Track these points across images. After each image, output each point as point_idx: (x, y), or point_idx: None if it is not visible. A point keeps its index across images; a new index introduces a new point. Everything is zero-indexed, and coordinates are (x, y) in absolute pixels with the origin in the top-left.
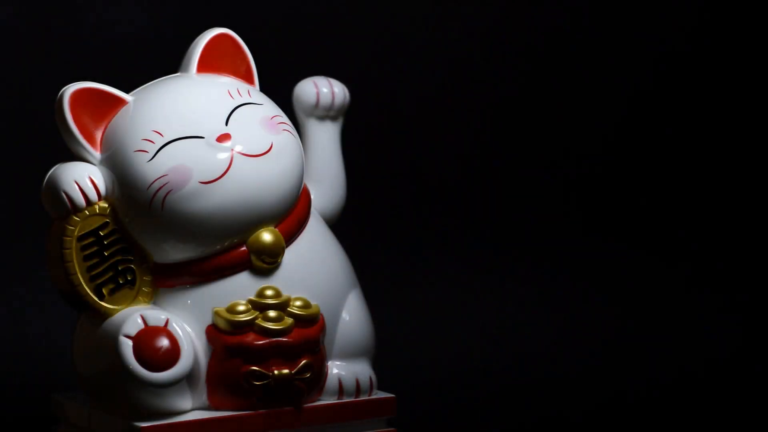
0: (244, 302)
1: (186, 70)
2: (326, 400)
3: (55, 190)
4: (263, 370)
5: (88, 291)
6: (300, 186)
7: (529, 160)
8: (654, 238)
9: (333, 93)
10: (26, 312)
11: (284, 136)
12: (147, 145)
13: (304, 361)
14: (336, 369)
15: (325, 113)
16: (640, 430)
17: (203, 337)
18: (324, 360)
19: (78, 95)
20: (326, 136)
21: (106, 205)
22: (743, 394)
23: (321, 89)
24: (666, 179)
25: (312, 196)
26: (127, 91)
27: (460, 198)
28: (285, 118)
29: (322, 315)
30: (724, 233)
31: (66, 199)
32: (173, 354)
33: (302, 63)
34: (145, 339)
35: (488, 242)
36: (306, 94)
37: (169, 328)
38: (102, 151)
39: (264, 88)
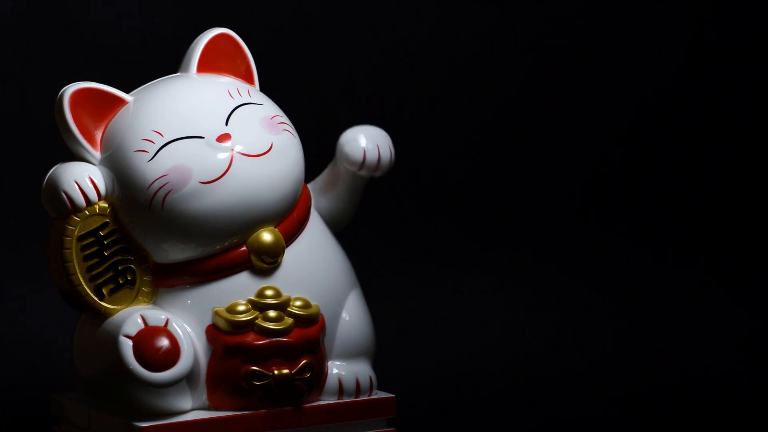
0: (244, 302)
1: (186, 70)
2: (326, 400)
3: (55, 190)
4: (263, 370)
5: (88, 291)
6: (300, 186)
7: (528, 161)
8: (654, 238)
9: (379, 156)
10: (26, 312)
11: (284, 136)
12: (147, 145)
13: (304, 361)
14: (336, 369)
15: (369, 173)
16: (640, 430)
17: (203, 337)
18: (324, 360)
19: (78, 95)
20: (360, 184)
21: (106, 205)
22: (744, 396)
23: (368, 154)
24: (666, 179)
25: (321, 210)
26: (127, 91)
27: (460, 198)
28: (285, 118)
29: (322, 315)
30: (724, 233)
31: (66, 199)
32: (173, 354)
33: (302, 63)
34: (145, 339)
35: (488, 243)
36: (353, 154)
37: (169, 328)
38: (102, 151)
39: (264, 88)
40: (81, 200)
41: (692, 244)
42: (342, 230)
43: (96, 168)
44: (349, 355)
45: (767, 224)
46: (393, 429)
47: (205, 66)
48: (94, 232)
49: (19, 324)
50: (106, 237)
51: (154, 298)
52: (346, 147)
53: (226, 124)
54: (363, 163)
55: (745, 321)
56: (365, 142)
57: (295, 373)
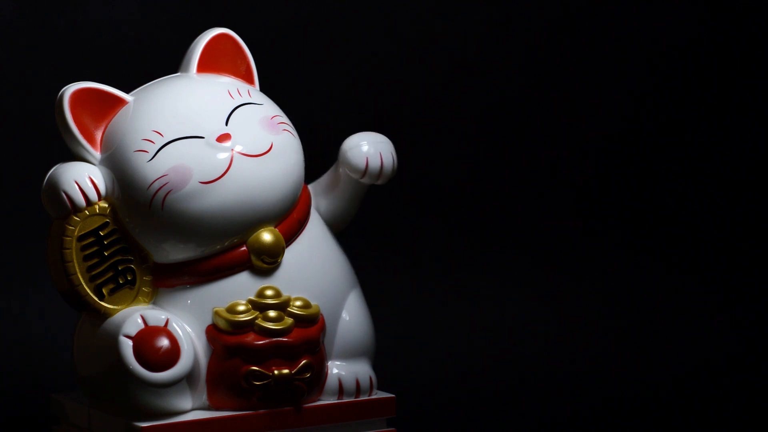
0: (244, 302)
1: (186, 70)
2: (326, 400)
3: (55, 190)
4: (263, 370)
5: (88, 291)
6: (300, 186)
7: (527, 162)
8: (650, 239)
9: (382, 164)
10: (27, 312)
11: (284, 136)
12: (147, 145)
13: (304, 361)
14: (336, 369)
15: (371, 181)
16: (636, 430)
17: (203, 337)
18: (324, 360)
19: (78, 95)
20: (361, 190)
21: (106, 205)
22: (738, 396)
23: (371, 162)
24: (664, 181)
25: (321, 211)
26: (127, 91)
27: (459, 199)
28: (285, 118)
29: (322, 315)
30: (721, 235)
31: (66, 199)
32: (173, 354)
33: (302, 63)
34: (145, 339)
35: (487, 243)
36: (356, 161)
37: (169, 328)
38: (102, 151)
39: (264, 88)
40: (81, 200)
41: (688, 245)
42: (342, 230)
43: (96, 168)
44: (349, 355)
45: (761, 226)
46: (393, 429)
47: (205, 66)
48: (94, 232)
49: (19, 324)
50: (106, 237)
51: (154, 298)
52: (348, 153)
53: (226, 124)
54: (365, 171)
55: (738, 321)
56: (368, 149)
57: (295, 373)
